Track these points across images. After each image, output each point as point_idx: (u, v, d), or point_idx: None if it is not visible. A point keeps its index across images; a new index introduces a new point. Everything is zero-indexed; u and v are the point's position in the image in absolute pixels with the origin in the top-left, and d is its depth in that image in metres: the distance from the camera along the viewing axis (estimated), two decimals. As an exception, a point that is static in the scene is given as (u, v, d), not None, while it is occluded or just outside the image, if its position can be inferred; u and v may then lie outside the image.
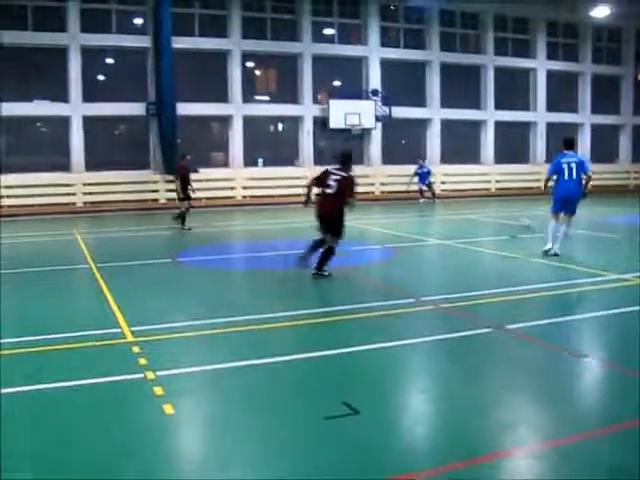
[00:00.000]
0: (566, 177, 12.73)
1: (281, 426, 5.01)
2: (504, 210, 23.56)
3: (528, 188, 29.91)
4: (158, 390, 5.63)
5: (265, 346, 7.06)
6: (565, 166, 12.77)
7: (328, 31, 28.53)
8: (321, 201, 10.94)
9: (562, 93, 33.43)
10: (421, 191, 26.51)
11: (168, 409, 5.24)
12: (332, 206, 10.74)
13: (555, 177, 12.97)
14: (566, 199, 12.82)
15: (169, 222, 18.91)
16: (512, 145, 32.40)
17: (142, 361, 6.43)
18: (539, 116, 32.56)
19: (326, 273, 10.83)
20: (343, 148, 13.05)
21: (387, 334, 7.39)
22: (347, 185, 10.75)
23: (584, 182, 12.97)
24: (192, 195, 18.35)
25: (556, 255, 12.60)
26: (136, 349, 6.83)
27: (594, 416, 5.29)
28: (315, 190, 11.13)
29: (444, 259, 13.81)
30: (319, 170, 11.53)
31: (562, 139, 13.70)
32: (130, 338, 7.27)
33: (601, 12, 30.01)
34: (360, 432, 4.86)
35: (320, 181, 10.89)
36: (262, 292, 10.21)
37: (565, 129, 32.93)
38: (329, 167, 11.26)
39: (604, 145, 34.61)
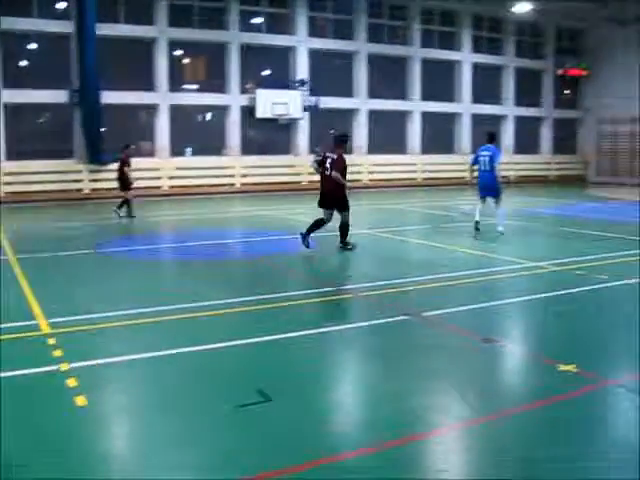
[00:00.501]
0: (482, 168, 14.59)
1: (193, 415, 5.07)
2: (430, 200, 23.96)
3: (454, 178, 30.44)
4: (71, 382, 5.59)
5: (184, 336, 7.08)
6: (481, 159, 14.61)
7: (256, 20, 28.37)
8: (322, 182, 12.55)
9: (487, 85, 34.08)
10: None
11: (80, 401, 5.21)
12: (330, 185, 12.29)
13: (476, 167, 14.85)
14: (484, 186, 14.69)
15: (93, 212, 18.60)
16: (438, 136, 32.89)
17: (57, 353, 6.37)
18: (464, 107, 33.12)
19: (350, 246, 12.55)
20: (338, 134, 14.12)
21: (305, 322, 7.49)
22: (339, 163, 12.27)
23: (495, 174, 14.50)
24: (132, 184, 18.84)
25: (501, 234, 14.41)
26: (52, 341, 6.75)
27: (503, 398, 5.48)
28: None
29: (367, 248, 13.95)
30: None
31: (486, 132, 15.73)
32: (46, 330, 7.18)
33: (523, 8, 30.73)
34: (271, 419, 4.94)
35: (320, 165, 12.59)
36: (185, 282, 10.23)
37: (489, 121, 33.70)
38: (326, 152, 12.81)
39: (527, 137, 35.48)
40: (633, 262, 11.34)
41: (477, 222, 14.46)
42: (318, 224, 12.57)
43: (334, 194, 12.32)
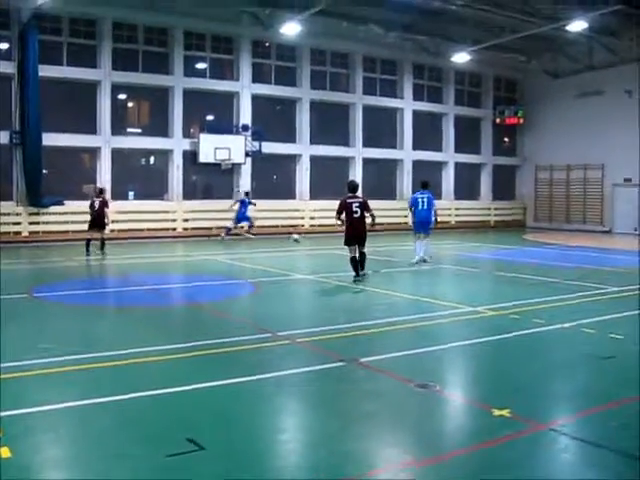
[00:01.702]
0: (419, 207, 17.77)
1: (122, 465, 4.96)
2: (370, 245, 24.03)
3: (394, 224, 30.78)
4: (-3, 432, 5.42)
5: (117, 383, 6.97)
6: (420, 200, 17.81)
7: (200, 65, 28.54)
8: (353, 225, 14.30)
9: (427, 132, 34.77)
10: None
11: (4, 452, 5.05)
12: (361, 226, 14.40)
13: (413, 208, 18.03)
14: (421, 223, 17.81)
15: (31, 256, 18.26)
16: (380, 181, 33.31)
17: (-19, 402, 6.16)
18: (406, 154, 33.66)
19: (368, 272, 14.78)
20: (351, 181, 17.04)
21: (241, 369, 7.43)
22: (366, 205, 14.39)
23: (433, 212, 17.86)
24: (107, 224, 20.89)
25: (424, 261, 17.50)
26: (-24, 389, 6.54)
27: (437, 443, 5.51)
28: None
29: (306, 294, 14.02)
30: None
31: (420, 181, 19.57)
32: (-27, 378, 6.95)
33: (461, 58, 31.62)
34: (202, 468, 4.85)
35: (344, 209, 14.27)
36: (121, 328, 10.09)
37: (430, 167, 34.33)
38: (343, 198, 14.56)
39: (467, 183, 36.23)
40: (568, 306, 11.60)
41: (416, 262, 16.90)
42: (355, 261, 14.48)
43: (364, 231, 14.42)
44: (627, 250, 23.60)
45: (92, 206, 20.21)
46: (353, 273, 14.48)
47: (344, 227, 14.52)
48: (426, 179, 19.52)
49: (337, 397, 6.63)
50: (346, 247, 14.68)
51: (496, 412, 6.00)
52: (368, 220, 14.52)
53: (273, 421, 6.04)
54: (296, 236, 22.22)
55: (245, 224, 26.78)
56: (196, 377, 7.14)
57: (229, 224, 26.16)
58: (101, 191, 21.33)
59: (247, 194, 27.14)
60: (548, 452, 5.29)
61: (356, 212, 14.23)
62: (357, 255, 14.47)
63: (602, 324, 9.99)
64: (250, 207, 26.61)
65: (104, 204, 20.33)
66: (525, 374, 7.57)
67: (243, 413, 6.13)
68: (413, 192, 21.45)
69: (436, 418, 6.16)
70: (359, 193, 15.21)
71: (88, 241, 19.88)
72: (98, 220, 20.04)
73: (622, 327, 9.83)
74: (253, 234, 26.65)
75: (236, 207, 26.46)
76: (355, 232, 14.31)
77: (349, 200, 14.38)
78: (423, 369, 7.69)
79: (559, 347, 8.81)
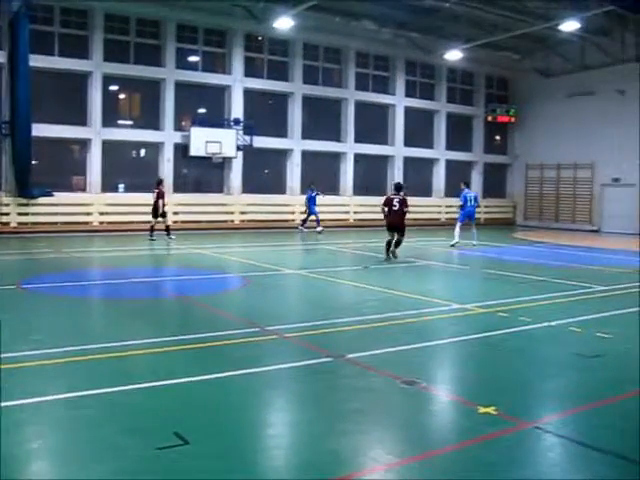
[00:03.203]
0: (469, 204, 22.37)
1: (111, 458, 4.95)
2: (361, 241, 24.16)
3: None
4: (-18, 424, 5.40)
5: (106, 376, 6.95)
6: (469, 197, 22.44)
7: (192, 58, 28.47)
8: (392, 215, 17.78)
9: (419, 129, 34.80)
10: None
11: (-10, 443, 5.04)
12: (399, 218, 17.76)
13: (463, 204, 22.49)
14: (469, 216, 22.39)
15: (20, 247, 18.19)
16: (371, 178, 33.34)
17: (-30, 393, 6.15)
18: (397, 150, 33.71)
19: (396, 255, 17.81)
20: (397, 182, 20.37)
21: (229, 364, 7.44)
22: (405, 202, 17.78)
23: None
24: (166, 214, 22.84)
25: (474, 245, 22.17)
26: (-34, 380, 6.53)
27: (423, 440, 5.53)
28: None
29: (295, 289, 14.03)
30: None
31: (463, 182, 24.14)
32: (-40, 369, 6.93)
33: (454, 55, 31.66)
34: (188, 463, 4.86)
35: (387, 203, 17.85)
36: (110, 320, 10.09)
37: (421, 164, 34.40)
38: (389, 195, 18.66)
39: (458, 180, 36.14)
40: (555, 304, 11.66)
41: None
42: (389, 243, 17.91)
43: (401, 222, 17.80)
44: (615, 249, 23.71)
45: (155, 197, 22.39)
46: (343, 268, 14.49)
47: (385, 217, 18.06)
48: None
49: (323, 393, 6.64)
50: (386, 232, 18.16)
51: (482, 410, 6.03)
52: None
53: (259, 416, 6.04)
54: (320, 228, 26.53)
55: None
56: (185, 371, 7.14)
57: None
58: (158, 182, 23.00)
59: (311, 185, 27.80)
60: (533, 450, 5.31)
61: (395, 205, 17.60)
62: (394, 240, 17.79)
63: (589, 323, 10.05)
64: (318, 198, 27.48)
65: (159, 195, 22.25)
66: (511, 372, 7.60)
67: (229, 408, 6.12)
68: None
69: (422, 415, 6.17)
70: (401, 193, 18.31)
71: (151, 227, 22.52)
72: (153, 210, 22.29)
73: (609, 326, 9.87)
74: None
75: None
76: (392, 221, 17.79)
77: (392, 196, 17.98)
78: (410, 366, 7.70)
79: (546, 345, 8.84)
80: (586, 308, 11.40)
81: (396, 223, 17.79)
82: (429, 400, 6.62)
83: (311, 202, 27.19)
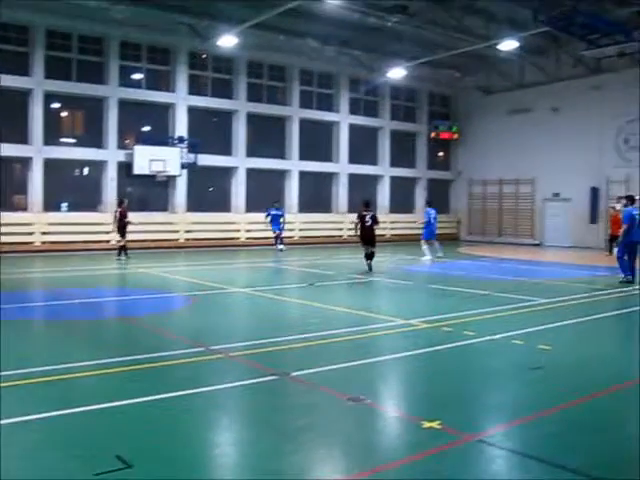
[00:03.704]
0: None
1: (50, 484, 4.84)
2: (306, 258, 24.17)
3: (331, 236, 30.93)
4: None
5: (46, 399, 6.81)
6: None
7: (136, 76, 28.28)
8: (365, 230, 19.44)
9: (363, 146, 35.09)
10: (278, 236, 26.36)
11: None
12: (371, 232, 19.48)
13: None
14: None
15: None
16: (316, 195, 33.45)
17: None
18: (342, 167, 33.93)
19: (370, 267, 19.34)
20: (365, 199, 21.19)
21: (172, 384, 7.34)
22: (376, 219, 19.64)
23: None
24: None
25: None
26: None
27: (367, 457, 5.52)
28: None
29: (240, 307, 13.95)
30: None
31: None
32: None
33: (397, 73, 32.05)
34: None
35: (360, 219, 19.50)
36: (49, 343, 9.89)
37: (366, 180, 34.66)
38: (361, 211, 19.74)
39: (402, 196, 36.64)
40: (499, 318, 11.83)
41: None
42: (367, 256, 19.53)
43: (373, 236, 19.50)
44: (555, 262, 24.23)
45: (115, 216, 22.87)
46: (289, 286, 14.48)
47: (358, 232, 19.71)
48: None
49: (268, 412, 6.60)
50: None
51: (426, 424, 6.07)
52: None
53: (203, 437, 5.97)
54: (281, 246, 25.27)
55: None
56: (127, 393, 7.02)
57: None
58: (120, 202, 23.22)
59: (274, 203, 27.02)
60: (476, 463, 5.36)
61: (368, 222, 19.41)
62: (368, 252, 19.53)
63: (531, 335, 10.21)
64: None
65: (122, 214, 22.62)
66: (456, 386, 7.67)
67: (173, 429, 6.05)
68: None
69: (367, 432, 6.18)
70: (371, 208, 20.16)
71: (122, 247, 22.70)
72: (120, 228, 22.55)
73: (550, 338, 10.05)
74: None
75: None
76: (366, 236, 19.48)
77: (364, 212, 19.54)
78: (355, 382, 7.71)
79: (489, 359, 8.96)
80: (528, 321, 11.58)
81: (369, 237, 19.49)
82: (375, 416, 6.64)
83: (274, 220, 26.20)
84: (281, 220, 26.36)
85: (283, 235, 26.73)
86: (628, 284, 16.59)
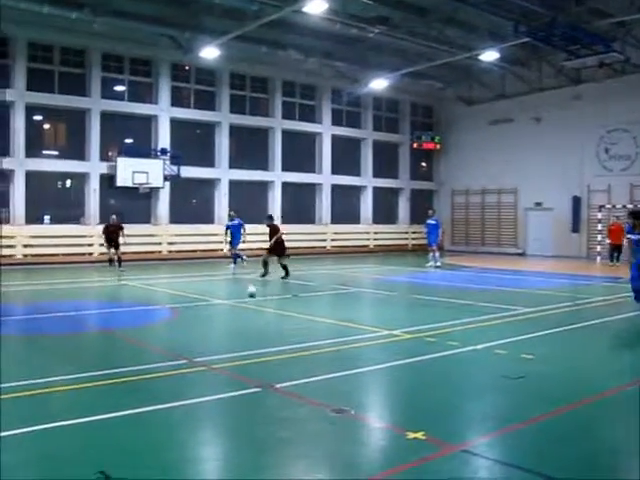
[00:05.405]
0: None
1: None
2: (289, 269, 24.06)
3: (313, 247, 30.90)
4: None
5: (24, 415, 6.72)
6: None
7: (118, 88, 28.21)
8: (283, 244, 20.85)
9: (346, 157, 35.15)
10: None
11: None
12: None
13: None
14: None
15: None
16: (299, 206, 33.44)
17: None
18: (324, 178, 33.96)
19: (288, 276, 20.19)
20: (268, 214, 22.65)
21: (155, 397, 7.29)
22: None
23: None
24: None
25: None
26: None
27: (350, 469, 5.51)
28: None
29: (223, 319, 13.91)
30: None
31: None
32: None
33: (379, 85, 32.16)
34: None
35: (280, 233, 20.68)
36: (28, 357, 9.80)
37: (349, 191, 34.72)
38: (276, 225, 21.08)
39: (385, 207, 36.73)
40: (481, 328, 11.86)
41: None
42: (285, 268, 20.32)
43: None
44: (538, 272, 24.34)
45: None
46: (272, 297, 14.46)
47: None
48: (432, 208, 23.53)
49: (251, 424, 6.57)
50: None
51: (410, 435, 6.06)
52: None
53: (185, 451, 5.91)
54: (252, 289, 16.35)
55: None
56: (107, 407, 6.93)
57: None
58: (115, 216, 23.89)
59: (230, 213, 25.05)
60: (460, 473, 5.35)
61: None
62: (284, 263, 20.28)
63: (513, 345, 10.24)
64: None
65: (119, 227, 23.41)
66: (439, 396, 7.67)
67: (155, 442, 6.00)
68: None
69: (350, 443, 6.16)
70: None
71: (118, 259, 23.36)
72: (115, 241, 23.27)
73: (532, 347, 10.08)
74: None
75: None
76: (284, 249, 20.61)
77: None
78: (339, 394, 7.69)
79: (472, 369, 8.97)
80: (511, 330, 11.62)
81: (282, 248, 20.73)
82: (358, 428, 6.62)
83: (235, 234, 24.17)
84: (242, 232, 24.17)
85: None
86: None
